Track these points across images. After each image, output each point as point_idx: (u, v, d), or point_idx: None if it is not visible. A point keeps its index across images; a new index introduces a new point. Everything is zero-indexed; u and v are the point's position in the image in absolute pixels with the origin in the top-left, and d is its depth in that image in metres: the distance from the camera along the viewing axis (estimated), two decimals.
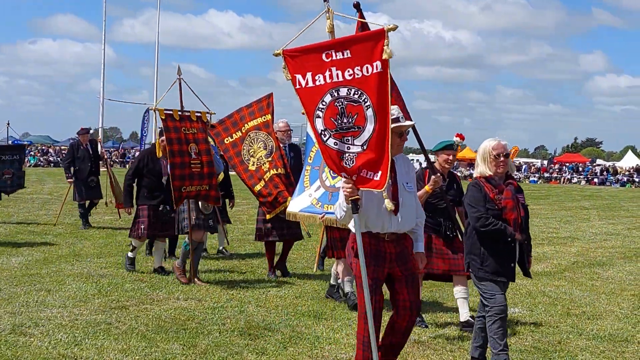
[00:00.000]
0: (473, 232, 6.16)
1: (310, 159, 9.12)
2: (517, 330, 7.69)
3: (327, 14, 5.53)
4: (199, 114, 10.01)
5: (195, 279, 9.82)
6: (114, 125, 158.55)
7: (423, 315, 8.00)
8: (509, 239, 6.03)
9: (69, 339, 6.80)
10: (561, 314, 8.56)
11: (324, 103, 5.37)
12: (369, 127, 5.24)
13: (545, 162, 77.60)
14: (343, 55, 5.30)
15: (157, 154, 10.31)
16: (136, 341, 6.80)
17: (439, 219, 7.78)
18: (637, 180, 58.94)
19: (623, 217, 24.54)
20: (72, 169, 15.94)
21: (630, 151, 78.61)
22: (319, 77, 5.37)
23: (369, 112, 5.23)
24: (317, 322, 7.78)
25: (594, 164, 70.86)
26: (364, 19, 6.37)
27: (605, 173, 63.14)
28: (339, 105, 5.32)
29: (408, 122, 5.79)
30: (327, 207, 8.56)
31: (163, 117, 9.66)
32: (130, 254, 10.73)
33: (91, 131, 17.76)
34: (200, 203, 9.90)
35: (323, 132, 5.39)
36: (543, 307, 8.93)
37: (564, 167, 68.19)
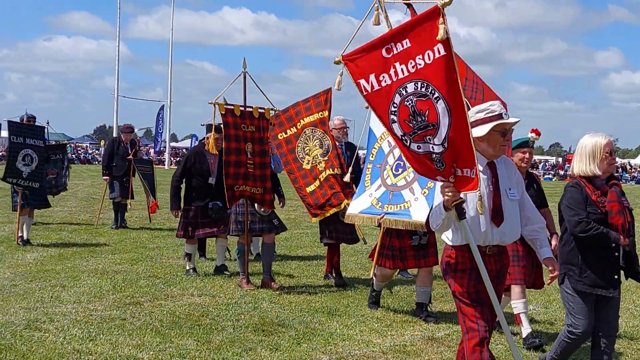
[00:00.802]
0: (571, 238, 5.56)
1: (372, 156, 8.52)
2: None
3: (378, 5, 4.93)
4: (262, 111, 9.48)
5: (272, 283, 9.37)
6: (128, 122, 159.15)
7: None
8: (613, 246, 5.46)
9: (84, 335, 6.83)
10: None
11: (395, 105, 4.67)
12: (444, 122, 4.52)
13: (560, 159, 77.28)
14: (403, 46, 4.61)
15: (211, 149, 9.85)
16: (150, 337, 6.83)
17: None
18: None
19: (638, 215, 24.37)
20: (110, 165, 15.37)
21: None
22: (383, 77, 4.69)
23: (440, 105, 4.50)
24: (330, 319, 7.79)
25: None
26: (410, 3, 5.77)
27: (620, 170, 62.81)
28: (410, 104, 4.61)
29: (513, 119, 4.99)
30: (388, 207, 8.04)
31: (223, 112, 9.16)
32: (188, 265, 10.30)
33: (136, 131, 17.65)
34: (255, 205, 9.48)
35: (404, 138, 4.69)
36: (558, 304, 8.89)
37: None
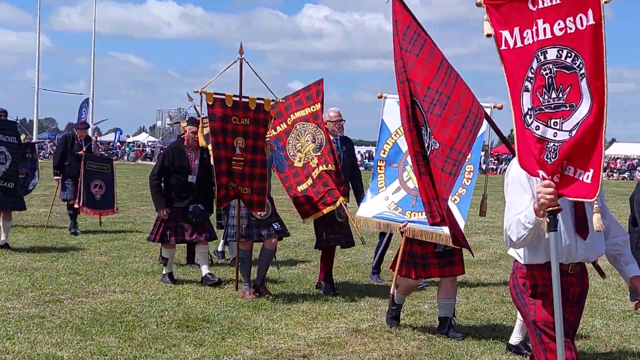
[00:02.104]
0: None
1: (384, 153, 7.78)
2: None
3: None
4: (260, 102, 8.55)
5: (261, 289, 8.64)
6: (49, 115, 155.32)
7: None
8: None
9: (1, 333, 6.65)
10: (496, 302, 8.70)
11: (532, 71, 3.81)
12: (584, 106, 3.66)
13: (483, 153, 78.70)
14: (551, 1, 3.73)
15: (200, 143, 9.02)
16: (70, 335, 6.69)
17: None
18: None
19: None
20: (63, 165, 14.03)
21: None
22: (527, 33, 3.83)
23: (584, 84, 3.65)
24: (256, 313, 7.77)
25: None
26: None
27: None
28: (547, 74, 3.75)
29: None
30: (410, 215, 7.31)
31: (210, 102, 8.25)
32: (164, 270, 9.43)
33: (92, 126, 16.46)
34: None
35: (529, 113, 3.84)
36: (479, 294, 9.07)
37: (501, 158, 69.33)
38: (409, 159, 7.22)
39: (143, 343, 6.53)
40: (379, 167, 7.80)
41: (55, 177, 14.40)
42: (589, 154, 3.68)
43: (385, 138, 7.83)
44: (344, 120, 9.41)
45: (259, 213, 8.59)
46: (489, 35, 3.97)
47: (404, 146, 7.43)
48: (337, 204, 8.73)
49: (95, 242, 12.73)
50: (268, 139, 8.49)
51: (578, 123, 3.67)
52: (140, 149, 69.42)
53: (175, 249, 9.52)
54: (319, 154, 8.91)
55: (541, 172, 3.79)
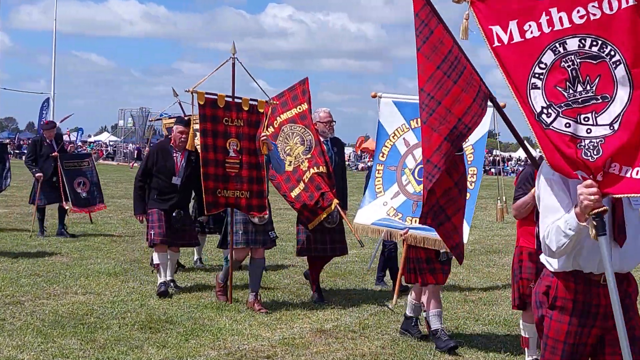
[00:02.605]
0: None
1: (382, 156, 7.46)
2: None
3: None
4: (254, 103, 8.20)
5: (257, 304, 8.01)
6: (9, 115, 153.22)
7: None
8: None
9: None
10: (459, 300, 8.78)
11: (542, 65, 3.49)
12: (621, 95, 3.34)
13: None
14: None
15: (189, 147, 8.67)
16: (32, 337, 6.60)
17: None
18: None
19: None
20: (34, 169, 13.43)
21: (525, 142, 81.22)
22: (530, 25, 3.52)
23: (619, 72, 3.32)
24: (219, 314, 7.74)
25: (491, 155, 73.02)
26: None
27: (501, 163, 65.12)
28: (570, 67, 3.42)
29: None
30: (411, 221, 6.99)
31: (202, 103, 7.92)
32: (160, 278, 8.73)
33: (58, 124, 15.75)
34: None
35: (545, 111, 3.49)
36: (441, 293, 9.11)
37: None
38: (407, 161, 7.25)
39: (105, 345, 6.47)
40: (377, 171, 7.50)
41: (37, 175, 13.39)
42: (637, 149, 3.33)
43: (383, 140, 7.50)
44: (335, 121, 9.07)
45: (257, 217, 8.16)
46: (465, 38, 3.81)
47: (402, 149, 7.30)
48: (332, 206, 8.37)
49: (57, 243, 12.57)
50: (264, 137, 8.03)
51: (619, 115, 3.34)
52: (102, 148, 68.84)
53: (167, 253, 8.86)
54: (309, 156, 8.57)
55: (580, 173, 3.42)
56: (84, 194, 13.72)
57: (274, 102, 8.53)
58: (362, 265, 11.03)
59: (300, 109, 8.75)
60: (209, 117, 7.97)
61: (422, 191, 6.39)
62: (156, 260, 8.80)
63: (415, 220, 6.84)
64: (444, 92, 4.15)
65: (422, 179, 6.54)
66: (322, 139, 8.72)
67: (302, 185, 8.51)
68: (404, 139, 7.32)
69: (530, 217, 5.95)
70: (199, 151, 8.38)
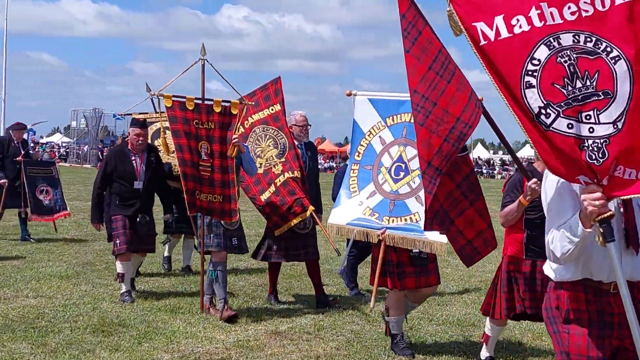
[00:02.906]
0: None
1: (358, 156, 7.18)
2: (370, 318, 7.88)
3: None
4: (226, 104, 7.83)
5: (211, 309, 7.91)
6: None
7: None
8: None
9: None
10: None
11: (535, 62, 3.23)
12: (624, 92, 3.14)
13: None
14: None
15: (164, 150, 8.41)
16: None
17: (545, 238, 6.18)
18: (485, 171, 61.64)
19: None
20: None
21: (479, 144, 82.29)
22: (518, 20, 3.28)
23: (620, 67, 3.14)
24: (173, 317, 7.68)
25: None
26: None
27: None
28: (567, 62, 3.19)
29: None
30: (388, 221, 6.74)
31: (169, 105, 7.60)
32: (123, 287, 8.42)
33: (30, 127, 15.20)
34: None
35: (543, 111, 3.22)
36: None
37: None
38: (383, 159, 6.98)
39: (57, 349, 6.38)
40: (352, 171, 7.20)
41: (1, 182, 12.87)
42: None
43: (358, 139, 7.23)
44: (310, 125, 8.80)
45: (226, 222, 7.85)
46: (459, 34, 3.46)
47: (378, 147, 7.08)
48: (307, 213, 8.16)
49: (7, 245, 12.37)
50: (236, 139, 7.69)
51: (623, 112, 3.14)
52: (55, 150, 67.88)
53: (131, 262, 8.60)
54: (282, 159, 8.29)
55: (582, 178, 3.21)
56: (46, 202, 13.31)
57: (249, 102, 8.18)
58: None
59: (272, 109, 8.47)
60: (180, 118, 7.64)
61: (399, 189, 6.71)
62: (120, 270, 8.43)
63: (393, 220, 6.71)
64: (438, 93, 4.06)
65: (398, 177, 6.80)
66: (296, 143, 8.48)
67: (272, 188, 8.25)
68: (379, 137, 7.07)
69: (518, 224, 5.87)
70: (164, 152, 8.38)
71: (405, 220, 6.67)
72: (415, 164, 6.63)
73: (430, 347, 6.91)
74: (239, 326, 7.40)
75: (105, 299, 8.42)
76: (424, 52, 4.04)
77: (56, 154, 65.27)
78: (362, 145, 7.18)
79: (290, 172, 8.23)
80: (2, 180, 12.88)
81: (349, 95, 7.43)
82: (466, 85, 4.12)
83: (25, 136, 14.07)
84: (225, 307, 7.72)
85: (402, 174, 6.81)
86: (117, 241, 8.40)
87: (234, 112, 7.80)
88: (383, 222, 6.77)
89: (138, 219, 8.48)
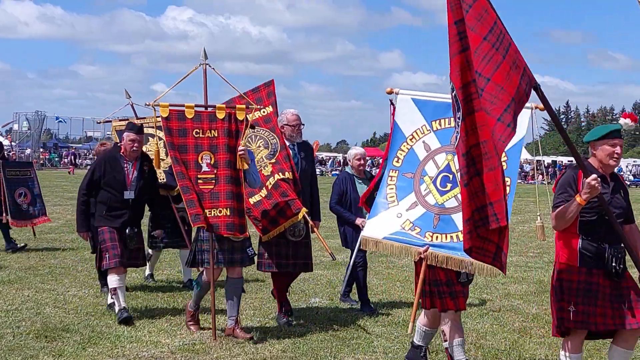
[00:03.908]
0: None
1: (397, 161, 6.46)
2: (317, 319, 7.92)
3: None
4: (231, 110, 7.20)
5: (239, 331, 7.19)
6: None
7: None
8: None
9: None
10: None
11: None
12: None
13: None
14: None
15: (155, 164, 7.70)
16: None
17: (602, 244, 5.21)
18: None
19: None
20: None
21: None
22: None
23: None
24: (117, 321, 7.61)
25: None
26: None
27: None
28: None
29: None
30: (431, 237, 6.06)
31: (165, 115, 7.03)
32: (110, 300, 7.94)
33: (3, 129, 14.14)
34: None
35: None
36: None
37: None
38: (427, 168, 6.32)
39: None
40: (389, 178, 6.45)
41: None
42: None
43: (398, 143, 6.49)
44: (303, 124, 8.23)
45: (235, 236, 7.16)
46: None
47: (421, 153, 6.39)
48: (300, 216, 7.62)
49: None
50: (242, 151, 7.06)
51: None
52: None
53: (124, 275, 7.89)
54: (273, 160, 7.83)
55: None
56: (24, 206, 12.72)
57: (257, 106, 7.54)
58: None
59: (264, 112, 8.05)
60: (176, 130, 7.07)
61: (445, 202, 6.03)
62: (113, 284, 7.70)
63: (437, 237, 6.02)
64: (493, 67, 3.83)
65: (445, 189, 6.08)
66: (288, 143, 8.00)
67: (263, 192, 7.74)
68: (423, 142, 6.38)
69: (571, 228, 5.24)
70: (155, 164, 7.73)
71: (451, 237, 5.98)
72: None
73: (377, 347, 6.98)
74: (185, 330, 7.36)
75: (48, 304, 8.31)
76: (479, 20, 3.87)
77: None
78: (402, 150, 6.47)
79: (280, 173, 7.75)
80: None
81: (390, 93, 6.66)
82: (518, 67, 3.96)
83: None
84: (191, 319, 7.44)
85: (449, 185, 6.12)
86: (107, 255, 7.72)
87: (240, 118, 7.19)
88: (425, 238, 6.07)
89: (127, 232, 7.79)
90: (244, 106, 7.21)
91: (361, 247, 6.61)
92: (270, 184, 7.71)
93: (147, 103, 7.22)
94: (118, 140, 9.12)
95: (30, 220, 12.90)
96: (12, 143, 41.22)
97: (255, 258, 7.60)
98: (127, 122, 9.09)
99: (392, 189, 6.39)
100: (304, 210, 7.61)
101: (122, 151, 7.88)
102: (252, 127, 7.43)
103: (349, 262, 8.46)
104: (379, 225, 6.32)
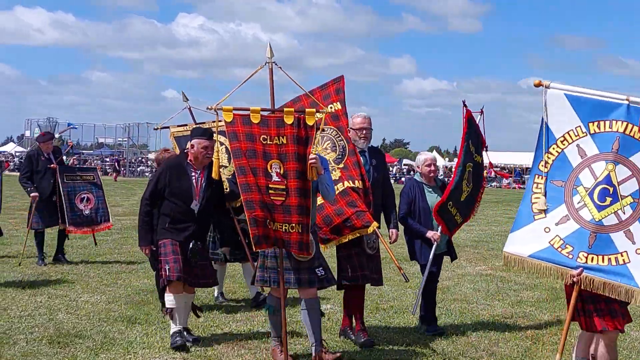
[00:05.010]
0: None
1: (544, 166, 5.74)
2: (329, 326, 7.91)
3: None
4: (300, 113, 6.32)
5: (326, 355, 6.58)
6: None
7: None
8: None
9: None
10: (371, 309, 8.88)
11: None
12: None
13: None
14: None
15: (214, 172, 6.75)
16: None
17: None
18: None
19: None
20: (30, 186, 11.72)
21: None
22: None
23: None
24: (130, 327, 7.63)
25: (402, 164, 74.41)
26: None
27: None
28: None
29: None
30: (586, 258, 5.44)
31: (229, 120, 6.26)
32: (174, 326, 7.06)
33: (57, 136, 13.77)
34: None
35: None
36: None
37: None
38: (581, 176, 5.60)
39: None
40: (535, 185, 5.75)
41: (32, 195, 11.75)
42: None
43: (547, 145, 5.72)
44: (372, 129, 7.53)
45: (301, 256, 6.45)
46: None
47: (574, 159, 5.65)
48: (370, 229, 7.03)
49: None
50: (313, 160, 6.18)
51: None
52: (8, 159, 66.93)
53: (184, 294, 7.16)
54: (341, 165, 7.20)
55: None
56: (86, 212, 12.20)
57: (327, 110, 7.05)
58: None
59: (332, 108, 7.45)
60: (243, 134, 6.27)
61: (603, 219, 5.38)
62: (170, 304, 7.05)
63: (592, 258, 5.41)
64: None
65: (604, 203, 5.42)
66: (357, 149, 7.36)
67: None
68: (577, 145, 5.63)
69: None
70: (218, 169, 6.81)
71: (609, 260, 5.39)
72: (627, 189, 5.42)
73: (391, 354, 6.95)
74: (197, 334, 7.37)
75: (61, 309, 8.34)
76: None
77: (10, 163, 64.33)
78: (551, 154, 5.72)
79: (350, 181, 7.11)
80: (33, 194, 11.73)
81: (538, 85, 5.86)
82: None
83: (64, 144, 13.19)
84: (279, 348, 6.66)
85: (608, 199, 5.44)
86: (167, 267, 6.98)
87: (310, 123, 6.30)
88: (579, 259, 5.45)
89: (190, 246, 7.09)
90: (313, 110, 6.35)
91: (505, 265, 5.92)
92: (337, 190, 7.01)
93: (209, 107, 6.44)
94: (177, 147, 8.93)
95: (92, 226, 12.39)
96: (72, 149, 41.25)
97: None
98: (187, 127, 8.90)
99: (540, 197, 5.69)
100: (374, 224, 7.03)
101: (189, 158, 7.22)
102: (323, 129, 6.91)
103: (422, 281, 7.86)
104: (524, 240, 5.69)
